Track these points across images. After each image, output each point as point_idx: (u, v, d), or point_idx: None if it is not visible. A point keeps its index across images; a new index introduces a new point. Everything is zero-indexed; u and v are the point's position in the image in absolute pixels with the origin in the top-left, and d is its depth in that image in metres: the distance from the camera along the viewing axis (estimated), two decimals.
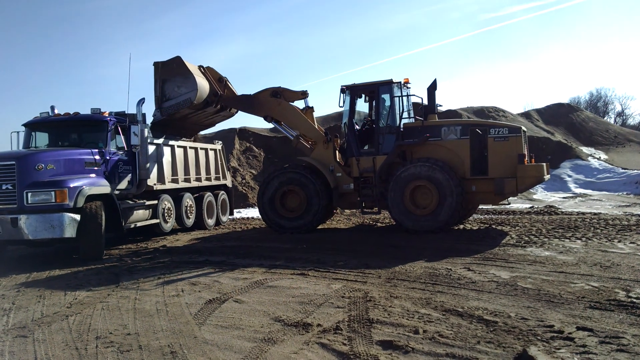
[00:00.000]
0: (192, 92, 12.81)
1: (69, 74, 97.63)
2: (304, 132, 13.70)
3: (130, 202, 11.57)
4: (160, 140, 12.97)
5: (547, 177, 12.13)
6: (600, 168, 27.31)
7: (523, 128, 12.14)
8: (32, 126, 11.59)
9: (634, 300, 5.82)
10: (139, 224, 11.80)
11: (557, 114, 37.28)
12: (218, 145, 16.52)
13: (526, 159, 11.56)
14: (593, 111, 54.83)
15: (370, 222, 14.84)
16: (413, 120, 13.10)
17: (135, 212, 11.61)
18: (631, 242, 9.71)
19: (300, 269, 8.33)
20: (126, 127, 11.51)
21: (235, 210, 17.82)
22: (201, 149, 15.26)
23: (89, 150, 10.61)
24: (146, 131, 11.78)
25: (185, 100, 12.89)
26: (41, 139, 11.61)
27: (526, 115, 37.56)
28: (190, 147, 14.59)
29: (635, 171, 25.15)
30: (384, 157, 12.50)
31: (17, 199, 9.27)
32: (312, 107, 14.04)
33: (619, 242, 9.86)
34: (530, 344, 4.56)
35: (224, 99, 13.94)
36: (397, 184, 12.02)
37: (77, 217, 9.48)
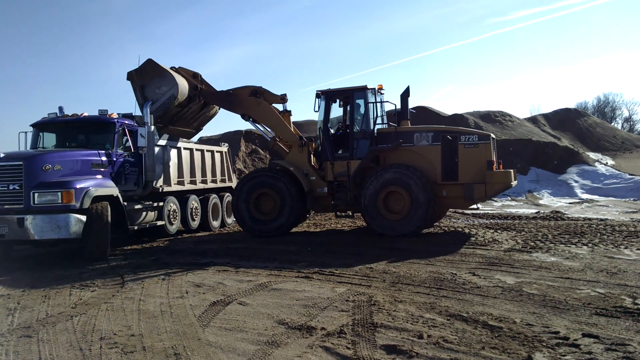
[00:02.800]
0: (173, 87, 12.78)
1: (78, 74, 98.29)
2: (280, 134, 13.81)
3: (136, 203, 11.60)
4: (167, 142, 13.01)
5: (514, 183, 12.37)
6: (607, 174, 27.15)
7: (492, 135, 12.44)
8: (40, 127, 11.65)
9: None
10: (144, 226, 11.83)
11: (564, 119, 37.15)
12: (224, 148, 16.56)
13: (495, 165, 11.82)
14: (600, 116, 54.58)
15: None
16: (387, 126, 13.28)
17: (141, 213, 11.65)
18: (638, 249, 9.64)
19: (304, 272, 8.32)
20: (133, 129, 11.56)
21: None
22: (207, 151, 15.30)
23: (96, 152, 10.65)
24: (153, 133, 11.82)
25: (169, 98, 12.84)
26: (49, 139, 11.67)
27: (533, 120, 37.46)
28: (197, 149, 14.64)
29: None
30: (358, 161, 12.65)
31: (23, 199, 9.31)
32: (290, 111, 14.16)
33: (626, 248, 9.79)
34: (536, 351, 4.53)
35: (203, 92, 13.97)
36: (370, 189, 12.19)
37: (83, 218, 9.51)
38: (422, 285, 7.25)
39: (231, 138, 26.80)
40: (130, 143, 11.51)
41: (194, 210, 14.05)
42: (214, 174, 15.54)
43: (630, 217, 15.38)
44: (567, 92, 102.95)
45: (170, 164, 13.01)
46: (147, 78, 12.94)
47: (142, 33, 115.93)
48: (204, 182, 14.84)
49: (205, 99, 14.15)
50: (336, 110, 14.02)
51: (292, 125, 14.10)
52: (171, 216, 12.95)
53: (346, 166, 12.75)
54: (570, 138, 34.16)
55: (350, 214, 13.47)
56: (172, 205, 13.03)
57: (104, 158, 10.70)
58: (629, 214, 16.51)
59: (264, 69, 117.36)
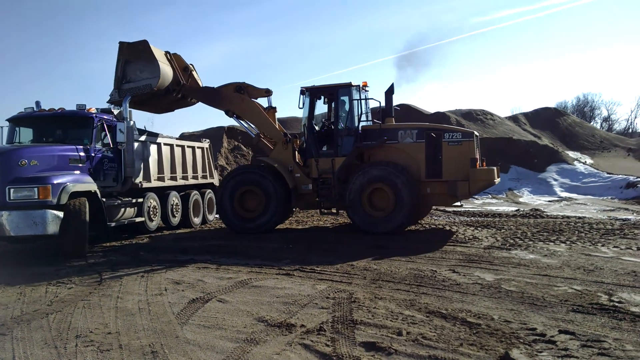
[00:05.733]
0: (153, 78, 12.55)
1: (57, 68, 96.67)
2: (264, 130, 13.74)
3: (115, 199, 11.45)
4: (147, 138, 12.85)
5: (497, 180, 12.42)
6: (586, 172, 27.57)
7: (475, 133, 12.46)
8: (16, 121, 11.42)
9: (616, 304, 5.86)
10: (123, 222, 11.68)
11: (544, 118, 37.63)
12: (205, 144, 16.43)
13: (478, 163, 11.88)
14: (580, 116, 55.41)
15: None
16: (371, 123, 13.29)
17: (120, 209, 11.50)
18: (614, 246, 9.80)
19: (285, 269, 8.29)
20: (112, 124, 11.39)
21: None
22: (188, 147, 15.17)
23: (74, 147, 10.48)
24: (133, 128, 11.67)
25: (145, 86, 12.62)
26: (25, 134, 11.43)
27: (514, 118, 37.86)
28: (177, 145, 14.50)
29: (620, 176, 25.41)
30: (343, 158, 12.64)
31: None
32: (275, 108, 14.05)
33: (603, 246, 9.94)
34: (513, 347, 4.57)
35: (186, 89, 13.80)
36: (354, 186, 12.20)
37: (60, 214, 9.35)
38: (403, 282, 7.27)
39: (214, 134, 26.61)
40: (109, 138, 11.35)
41: (174, 206, 13.92)
42: (195, 170, 15.42)
43: (607, 215, 15.62)
44: (547, 92, 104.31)
45: (150, 159, 12.86)
46: (134, 55, 12.71)
47: (125, 26, 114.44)
48: (184, 178, 14.71)
49: (187, 94, 13.96)
50: (321, 107, 14.02)
51: (277, 121, 14.02)
52: (151, 213, 12.81)
53: (330, 163, 12.73)
54: (550, 137, 34.60)
55: (335, 211, 13.45)
56: (152, 201, 12.89)
57: (82, 153, 10.53)
58: (606, 212, 16.77)
59: (249, 65, 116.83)
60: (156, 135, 13.92)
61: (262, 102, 13.94)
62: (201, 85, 14.18)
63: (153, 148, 13.11)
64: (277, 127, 13.79)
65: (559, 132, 36.30)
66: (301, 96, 13.32)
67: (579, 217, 14.89)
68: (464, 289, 6.79)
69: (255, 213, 13.08)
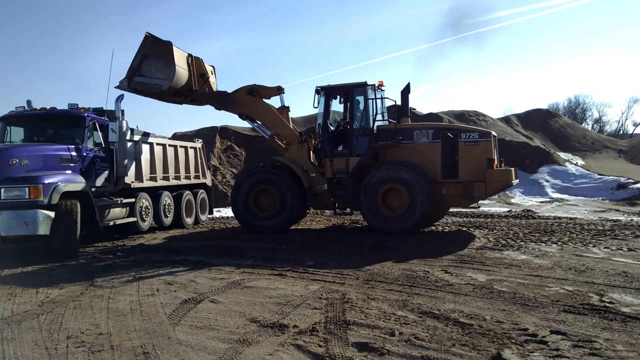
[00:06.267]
0: (165, 81, 12.62)
1: (48, 67, 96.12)
2: (278, 131, 13.66)
3: (107, 199, 11.40)
4: (139, 138, 12.80)
5: (515, 181, 12.30)
6: (577, 173, 27.76)
7: (493, 133, 12.29)
8: (7, 120, 11.33)
9: (607, 304, 5.90)
10: (115, 222, 11.63)
11: (536, 120, 37.84)
12: (198, 144, 16.38)
13: (495, 163, 11.72)
14: (571, 117, 55.79)
15: (348, 222, 14.82)
16: (387, 123, 13.20)
17: (111, 210, 11.44)
18: (605, 247, 9.86)
19: (278, 270, 8.28)
20: (104, 124, 11.33)
21: (215, 210, 17.71)
22: (181, 147, 15.11)
23: (65, 146, 10.42)
24: (125, 128, 11.61)
25: (155, 85, 12.69)
26: (16, 133, 11.34)
27: (506, 120, 38.04)
28: (170, 145, 14.44)
29: (611, 177, 25.60)
30: (358, 158, 12.54)
31: None
32: (288, 107, 14.01)
33: (594, 246, 10.00)
34: (505, 347, 4.58)
35: (198, 94, 13.79)
36: (369, 186, 12.10)
37: (52, 214, 9.29)
38: (395, 282, 7.28)
39: (206, 134, 26.52)
40: (101, 138, 11.29)
41: (166, 206, 13.87)
42: (187, 170, 15.36)
43: (598, 216, 15.72)
44: (539, 93, 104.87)
45: (142, 159, 12.80)
46: (155, 52, 12.74)
47: (117, 25, 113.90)
48: (177, 178, 14.66)
49: (198, 99, 13.98)
50: (335, 107, 13.91)
51: (290, 121, 13.94)
52: (143, 213, 12.75)
53: (345, 163, 12.63)
54: (542, 138, 34.79)
55: (349, 211, 13.25)
56: (144, 201, 12.83)
57: (73, 153, 10.47)
58: (597, 213, 16.88)
59: (243, 65, 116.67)
60: (148, 135, 13.87)
61: (275, 102, 13.95)
62: (215, 90, 14.12)
63: (145, 148, 13.05)
64: (292, 127, 13.71)
65: (550, 133, 36.51)
66: (316, 95, 13.22)
67: (571, 218, 14.97)
68: (457, 289, 6.81)
69: (269, 212, 13.03)
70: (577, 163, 30.45)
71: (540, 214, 16.38)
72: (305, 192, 12.94)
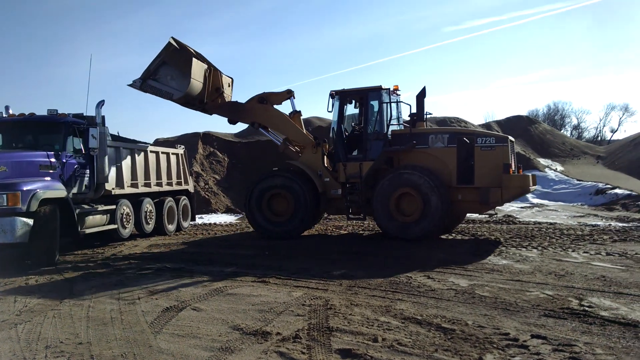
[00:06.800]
0: (177, 92, 12.69)
1: (26, 72, 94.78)
2: (292, 137, 13.58)
3: (87, 206, 11.25)
4: (120, 144, 12.69)
5: (533, 187, 12.11)
6: (557, 179, 28.17)
7: (510, 138, 12.10)
8: None
9: (586, 308, 5.98)
10: (95, 230, 11.48)
11: (516, 126, 38.30)
12: (180, 150, 16.27)
13: (512, 169, 11.49)
14: (551, 124, 56.59)
15: (333, 229, 14.84)
16: (402, 127, 13.03)
17: (92, 217, 11.30)
18: (584, 252, 10.00)
19: (261, 276, 8.24)
20: (84, 130, 11.20)
21: (197, 216, 17.58)
22: (162, 153, 14.99)
23: (45, 153, 10.27)
24: (105, 134, 11.48)
25: (166, 93, 12.77)
26: None
27: (486, 126, 38.43)
28: (151, 151, 14.32)
29: (590, 183, 26.01)
30: (371, 163, 12.40)
31: None
32: (299, 111, 13.88)
33: (573, 251, 10.14)
34: (486, 352, 4.62)
35: (208, 107, 13.80)
36: (382, 190, 11.94)
37: (30, 221, 9.14)
38: (378, 288, 7.30)
39: (189, 140, 26.34)
40: (81, 144, 11.16)
41: (148, 213, 13.74)
42: (169, 176, 15.24)
43: (577, 221, 15.95)
44: (519, 100, 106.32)
45: (124, 166, 12.68)
46: (174, 61, 12.76)
47: (96, 30, 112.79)
48: (158, 184, 14.53)
49: (209, 111, 13.99)
50: (350, 111, 13.79)
51: (302, 125, 13.90)
52: (124, 220, 12.61)
53: (359, 168, 12.52)
54: (522, 144, 35.22)
55: (362, 216, 13.06)
56: (125, 208, 12.70)
57: (52, 159, 10.32)
58: (576, 218, 17.12)
59: (228, 71, 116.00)
60: (129, 141, 13.75)
61: (286, 108, 13.90)
62: (227, 101, 14.09)
63: (126, 154, 12.94)
64: (305, 131, 13.65)
65: (530, 139, 37.01)
66: (330, 100, 13.14)
67: (550, 223, 15.17)
68: (439, 294, 6.85)
69: (283, 217, 12.94)
70: (556, 169, 30.91)
71: (520, 219, 16.58)
72: (319, 196, 12.82)
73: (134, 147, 13.37)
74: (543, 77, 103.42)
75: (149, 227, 13.85)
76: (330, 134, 13.59)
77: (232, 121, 14.51)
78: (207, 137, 27.91)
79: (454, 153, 11.82)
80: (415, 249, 10.77)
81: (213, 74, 13.65)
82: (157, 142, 24.96)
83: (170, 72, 12.82)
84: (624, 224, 14.62)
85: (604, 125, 68.90)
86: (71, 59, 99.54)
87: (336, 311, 6.05)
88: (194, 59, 12.70)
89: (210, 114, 14.28)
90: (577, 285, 7.24)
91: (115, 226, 12.24)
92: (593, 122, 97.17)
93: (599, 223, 15.17)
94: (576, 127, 67.91)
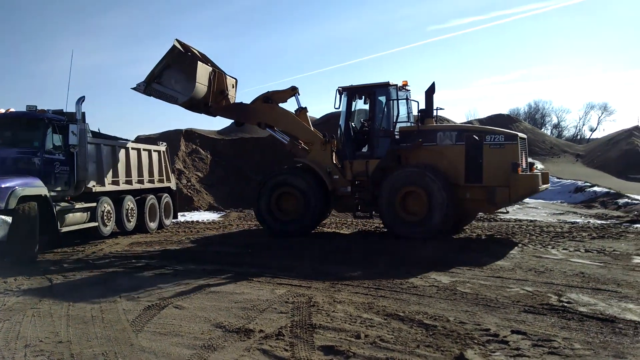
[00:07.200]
0: (182, 96, 12.53)
1: (5, 68, 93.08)
2: (299, 134, 13.45)
3: (67, 204, 11.10)
4: (101, 141, 12.53)
5: (543, 187, 11.92)
6: None
7: (520, 135, 11.90)
8: None
9: (565, 304, 6.08)
10: (76, 227, 11.34)
11: (498, 124, 38.51)
12: (162, 147, 16.12)
13: (520, 167, 11.14)
14: (531, 122, 57.40)
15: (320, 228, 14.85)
16: (411, 124, 12.80)
17: (72, 214, 11.16)
18: (564, 249, 10.16)
19: (244, 274, 8.22)
20: (64, 126, 11.04)
21: (179, 214, 17.43)
22: (144, 150, 14.84)
23: (23, 149, 10.12)
24: (86, 130, 11.34)
25: (170, 97, 12.62)
26: None
27: (469, 124, 38.76)
28: (133, 148, 14.17)
29: (569, 181, 26.38)
30: (377, 160, 12.25)
31: None
32: (305, 108, 13.69)
33: (553, 248, 10.29)
34: (467, 348, 4.67)
35: (212, 110, 13.69)
36: (387, 189, 11.77)
37: (9, 219, 8.99)
38: (361, 285, 7.33)
39: (171, 137, 26.08)
40: (61, 141, 11.00)
41: (129, 211, 13.60)
42: (151, 174, 15.10)
43: (557, 219, 16.18)
44: (500, 98, 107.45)
45: (104, 163, 12.53)
46: (178, 64, 12.59)
47: (77, 26, 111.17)
48: (140, 182, 14.38)
49: (214, 113, 13.86)
50: (360, 107, 13.62)
51: (309, 122, 13.76)
52: (105, 217, 12.47)
53: (365, 165, 12.41)
54: None
55: (369, 214, 12.88)
56: (106, 206, 12.56)
57: (32, 156, 10.17)
58: (556, 216, 17.37)
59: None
60: (111, 137, 13.60)
61: (291, 105, 13.80)
62: (232, 103, 13.96)
63: (107, 151, 12.78)
64: (312, 128, 13.50)
65: None
66: (339, 96, 12.93)
67: (531, 221, 15.37)
68: (421, 291, 6.91)
69: (292, 215, 12.81)
70: (536, 167, 31.25)
71: (501, 217, 16.76)
72: (328, 194, 12.71)
73: (115, 144, 13.23)
74: (524, 76, 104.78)
75: (131, 225, 13.71)
76: (339, 131, 13.39)
77: (239, 123, 14.35)
78: (190, 134, 27.70)
79: (462, 151, 11.53)
80: (401, 246, 10.81)
81: (218, 76, 13.47)
82: (139, 139, 24.66)
83: (174, 76, 12.66)
84: (602, 222, 14.88)
85: (583, 124, 70.10)
86: (51, 55, 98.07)
87: (319, 308, 6.06)
88: (199, 63, 12.57)
89: (215, 116, 14.17)
90: (557, 281, 7.35)
91: (96, 224, 12.10)
92: (573, 121, 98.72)
93: (578, 220, 15.40)
94: (556, 126, 69.05)
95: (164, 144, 16.60)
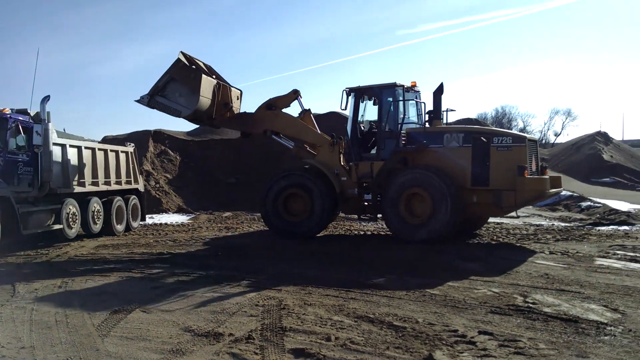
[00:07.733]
0: (186, 109, 12.41)
1: None
2: (306, 138, 13.35)
3: (31, 205, 10.81)
4: (66, 141, 12.24)
5: (554, 191, 11.71)
6: None
7: (529, 137, 11.73)
8: None
9: (531, 305, 6.22)
10: (40, 230, 11.05)
11: None
12: (130, 148, 15.84)
13: (527, 171, 10.86)
14: (498, 127, 58.45)
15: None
16: (418, 126, 12.66)
17: (35, 216, 10.86)
18: (529, 251, 10.38)
19: (214, 277, 8.14)
20: (28, 126, 10.76)
21: (147, 216, 17.14)
22: (111, 151, 14.55)
23: None
24: (51, 131, 11.07)
25: (174, 110, 12.49)
26: None
27: None
28: (99, 149, 13.88)
29: None
30: (382, 162, 12.08)
31: None
32: (309, 109, 13.63)
33: (519, 250, 10.50)
34: (436, 349, 4.73)
35: (215, 122, 13.59)
36: (391, 191, 11.62)
37: None
38: (332, 288, 7.34)
39: (139, 138, 25.60)
40: (24, 141, 10.71)
41: (95, 213, 13.30)
42: (118, 175, 14.81)
43: (523, 221, 16.51)
44: (468, 103, 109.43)
45: (70, 164, 12.24)
46: (182, 78, 12.43)
47: (44, 23, 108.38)
48: (107, 183, 14.10)
49: (217, 126, 13.76)
50: (369, 108, 13.42)
51: (314, 124, 13.60)
52: (70, 219, 12.18)
53: (370, 167, 12.27)
54: None
55: (373, 217, 12.79)
56: (71, 207, 12.26)
57: None
58: (521, 218, 17.70)
59: None
60: (77, 138, 13.30)
61: (293, 109, 13.70)
62: (235, 113, 13.78)
63: (73, 152, 12.49)
64: (318, 130, 13.35)
65: None
66: (346, 97, 12.78)
67: (497, 223, 15.63)
68: (391, 293, 6.96)
69: (300, 217, 12.64)
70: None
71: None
72: (336, 196, 12.54)
73: (81, 144, 12.94)
74: (491, 80, 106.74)
75: (97, 227, 13.42)
76: (346, 132, 13.22)
77: (245, 134, 14.15)
78: (159, 135, 27.27)
79: (468, 153, 11.28)
80: (376, 249, 10.89)
81: (222, 88, 13.29)
82: (106, 140, 24.17)
83: (178, 89, 12.51)
84: (566, 224, 15.25)
85: (548, 129, 71.81)
86: (15, 52, 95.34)
87: (289, 311, 6.05)
88: (203, 76, 12.42)
89: (219, 128, 14.01)
90: (522, 282, 7.51)
91: (61, 226, 11.80)
92: (538, 126, 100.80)
93: (542, 223, 15.75)
94: (522, 130, 70.39)
95: (132, 144, 16.32)
